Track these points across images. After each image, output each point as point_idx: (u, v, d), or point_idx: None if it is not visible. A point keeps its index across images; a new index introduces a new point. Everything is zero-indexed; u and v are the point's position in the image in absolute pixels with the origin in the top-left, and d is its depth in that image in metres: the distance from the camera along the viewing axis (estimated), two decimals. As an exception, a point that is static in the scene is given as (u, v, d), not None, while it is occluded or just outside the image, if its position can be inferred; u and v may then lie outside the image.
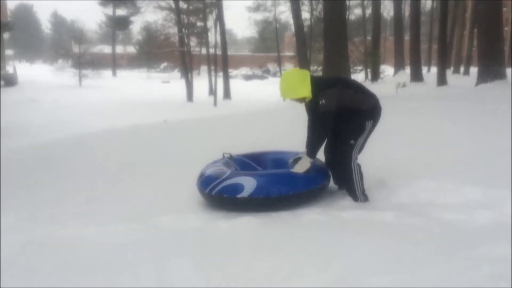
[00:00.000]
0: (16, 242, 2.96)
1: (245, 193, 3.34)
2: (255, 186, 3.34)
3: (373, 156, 4.74)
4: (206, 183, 3.50)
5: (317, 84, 3.47)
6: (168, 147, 6.12)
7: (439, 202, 3.45)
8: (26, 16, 75.47)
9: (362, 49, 28.11)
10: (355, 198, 3.60)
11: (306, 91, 3.44)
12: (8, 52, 51.29)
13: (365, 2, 31.74)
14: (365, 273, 2.37)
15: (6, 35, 42.03)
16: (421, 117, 7.08)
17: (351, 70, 13.45)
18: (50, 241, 2.99)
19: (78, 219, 3.43)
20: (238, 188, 3.35)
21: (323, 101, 3.39)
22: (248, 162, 4.01)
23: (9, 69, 36.61)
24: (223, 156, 3.97)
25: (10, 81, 32.43)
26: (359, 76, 26.57)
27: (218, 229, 3.14)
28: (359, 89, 3.66)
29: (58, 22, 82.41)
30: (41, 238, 3.05)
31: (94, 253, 2.77)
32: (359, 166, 3.63)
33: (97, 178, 4.75)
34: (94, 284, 2.39)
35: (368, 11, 31.00)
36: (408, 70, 22.97)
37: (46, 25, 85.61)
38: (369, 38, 29.11)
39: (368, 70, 26.94)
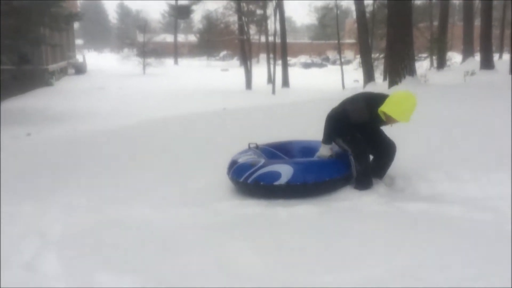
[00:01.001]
0: (87, 221, 3.14)
1: (282, 180, 3.42)
2: (292, 173, 3.43)
3: (440, 147, 4.54)
4: (241, 171, 3.56)
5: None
6: (226, 134, 6.19)
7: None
8: (94, 7, 78.82)
9: (428, 35, 26.85)
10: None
11: None
12: (78, 41, 54.07)
13: (432, -14, 30.22)
14: (430, 268, 2.28)
15: (76, 26, 44.31)
16: (491, 107, 6.65)
17: (416, 57, 12.89)
18: (119, 221, 3.13)
19: (143, 202, 3.57)
20: (274, 175, 3.44)
21: None
22: (274, 152, 4.04)
23: (79, 58, 38.63)
24: (249, 147, 4.00)
25: (80, 69, 34.28)
26: (423, 63, 25.46)
27: (277, 216, 3.15)
28: None
29: (124, 12, 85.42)
30: (110, 218, 3.21)
31: (158, 233, 2.88)
32: None
33: (158, 162, 4.90)
34: (158, 262, 2.48)
35: (435, -5, 29.51)
36: (477, 57, 21.68)
37: (113, 16, 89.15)
38: (435, 23, 27.72)
39: (434, 57, 25.69)
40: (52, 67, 26.51)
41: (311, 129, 5.85)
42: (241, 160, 3.69)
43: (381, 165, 3.78)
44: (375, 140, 3.74)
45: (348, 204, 3.35)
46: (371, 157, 3.77)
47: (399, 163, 4.01)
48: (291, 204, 3.34)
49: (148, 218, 3.17)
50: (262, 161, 3.60)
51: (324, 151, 3.71)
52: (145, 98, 19.01)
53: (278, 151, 4.08)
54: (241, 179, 3.54)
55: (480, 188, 3.43)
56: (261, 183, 3.47)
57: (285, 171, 3.45)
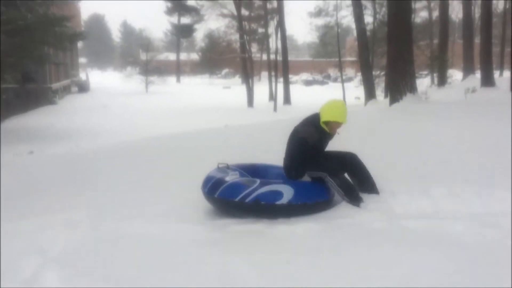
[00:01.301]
0: (87, 237, 3.13)
1: (284, 200, 3.45)
2: (293, 193, 3.48)
3: (442, 164, 4.54)
4: (234, 191, 3.50)
5: None
6: (227, 150, 6.19)
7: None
8: (98, 26, 79.78)
9: (428, 53, 27.04)
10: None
11: None
12: (82, 60, 54.60)
13: (432, 4, 30.53)
14: (433, 285, 2.26)
15: (80, 44, 44.83)
16: (492, 124, 6.67)
17: (416, 75, 12.96)
18: (118, 237, 3.12)
19: (142, 218, 3.57)
20: (276, 195, 3.46)
21: None
22: (243, 173, 4.02)
23: (82, 76, 38.98)
24: (218, 166, 3.99)
25: (83, 87, 34.58)
26: (424, 81, 25.58)
27: (278, 233, 3.14)
28: None
29: (127, 31, 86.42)
30: (110, 234, 3.20)
31: (158, 250, 2.86)
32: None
33: (158, 178, 4.91)
34: (159, 279, 2.46)
35: (435, 13, 29.81)
36: (478, 74, 21.79)
37: (116, 34, 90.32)
38: (435, 41, 27.94)
39: (434, 75, 25.81)
40: (55, 85, 26.72)
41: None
42: (229, 179, 3.62)
43: (361, 177, 3.82)
44: (335, 158, 3.87)
45: (350, 221, 3.33)
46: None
47: (402, 179, 4.01)
48: (292, 222, 3.33)
49: (148, 234, 3.15)
50: (258, 181, 3.58)
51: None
52: (147, 115, 19.11)
53: (246, 172, 4.06)
54: (237, 199, 3.47)
55: (482, 204, 3.41)
56: (262, 202, 3.44)
57: (286, 191, 3.48)
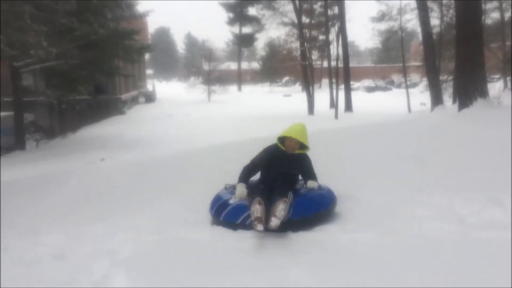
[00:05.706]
0: (153, 241, 3.25)
1: (296, 216, 3.47)
2: (292, 211, 3.47)
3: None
4: (236, 213, 3.54)
5: None
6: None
7: None
8: (164, 38, 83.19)
9: (501, 55, 25.48)
10: None
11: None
12: (149, 71, 57.03)
13: (504, 5, 28.83)
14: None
15: (147, 56, 46.88)
16: None
17: (487, 78, 12.26)
18: (182, 241, 3.22)
19: (205, 224, 3.64)
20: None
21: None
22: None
23: (149, 87, 40.71)
24: (225, 187, 4.07)
25: (150, 97, 36.08)
26: (496, 85, 24.15)
27: (338, 242, 3.08)
28: None
29: (191, 42, 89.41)
30: (174, 239, 3.30)
31: (219, 254, 2.93)
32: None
33: (216, 185, 4.99)
34: (220, 282, 2.50)
35: (508, 14, 28.10)
36: (558, 77, 20.25)
37: (180, 46, 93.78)
38: (508, 43, 26.30)
39: (508, 78, 24.28)
40: (124, 96, 28.10)
41: (374, 153, 5.72)
42: (232, 202, 3.67)
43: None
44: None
45: (416, 232, 3.20)
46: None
47: (473, 188, 3.80)
48: (351, 230, 3.26)
49: (208, 239, 3.22)
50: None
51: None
52: (210, 124, 19.54)
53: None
54: (238, 221, 3.51)
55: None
56: None
57: (296, 206, 3.52)
